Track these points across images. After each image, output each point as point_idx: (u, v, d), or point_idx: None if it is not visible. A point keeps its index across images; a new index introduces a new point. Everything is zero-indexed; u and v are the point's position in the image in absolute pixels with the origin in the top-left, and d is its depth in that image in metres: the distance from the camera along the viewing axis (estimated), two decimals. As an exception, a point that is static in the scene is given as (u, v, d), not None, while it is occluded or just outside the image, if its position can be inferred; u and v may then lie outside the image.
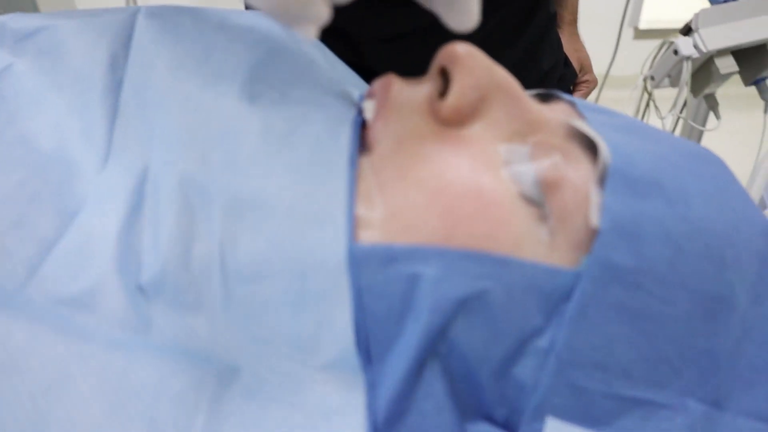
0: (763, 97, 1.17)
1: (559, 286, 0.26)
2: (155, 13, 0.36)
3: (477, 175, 0.27)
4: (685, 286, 0.27)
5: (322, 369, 0.26)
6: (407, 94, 0.30)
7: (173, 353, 0.27)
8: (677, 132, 1.28)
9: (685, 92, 1.15)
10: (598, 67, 1.77)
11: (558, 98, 0.33)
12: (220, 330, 0.28)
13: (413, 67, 0.56)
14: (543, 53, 0.69)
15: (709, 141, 1.42)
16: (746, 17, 1.04)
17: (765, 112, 1.21)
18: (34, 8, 0.97)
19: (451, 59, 0.29)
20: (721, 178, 0.31)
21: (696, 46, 1.06)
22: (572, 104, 0.32)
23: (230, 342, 0.28)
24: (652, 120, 1.39)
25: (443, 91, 0.30)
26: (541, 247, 0.27)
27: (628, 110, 1.64)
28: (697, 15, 1.09)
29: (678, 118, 1.24)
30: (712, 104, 1.20)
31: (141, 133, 0.33)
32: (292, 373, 0.27)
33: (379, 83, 0.31)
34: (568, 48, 0.77)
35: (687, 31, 1.13)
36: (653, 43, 1.42)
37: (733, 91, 1.30)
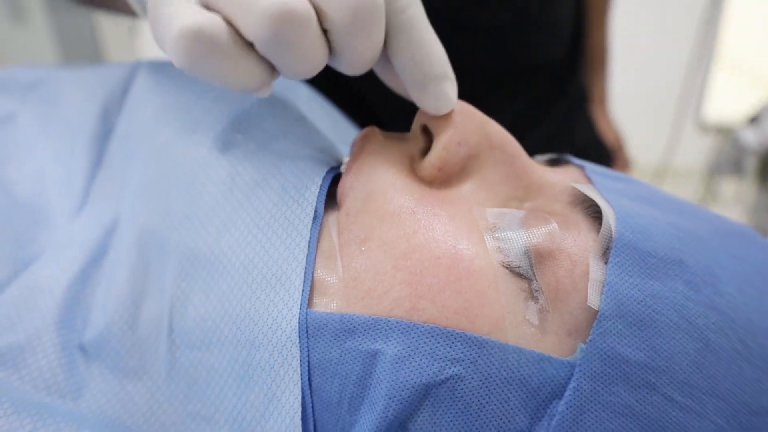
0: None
1: (548, 380, 0.21)
2: (156, 67, 0.35)
3: (453, 238, 0.23)
4: (715, 393, 0.21)
5: None
6: (385, 146, 0.27)
7: (98, 427, 0.24)
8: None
9: (750, 185, 1.07)
10: (658, 158, 1.70)
11: (567, 162, 0.29)
12: (160, 401, 0.25)
13: None
14: (575, 130, 0.65)
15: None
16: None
17: None
18: (97, 55, 1.03)
19: (433, 115, 0.26)
20: (765, 262, 0.25)
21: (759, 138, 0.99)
22: (581, 168, 0.28)
23: (167, 416, 0.24)
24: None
25: (427, 150, 0.27)
26: (527, 330, 0.22)
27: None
28: (765, 107, 1.03)
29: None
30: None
31: (119, 182, 0.32)
32: None
33: (359, 135, 0.28)
34: (600, 127, 0.73)
35: (752, 121, 1.07)
36: (715, 136, 1.35)
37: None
